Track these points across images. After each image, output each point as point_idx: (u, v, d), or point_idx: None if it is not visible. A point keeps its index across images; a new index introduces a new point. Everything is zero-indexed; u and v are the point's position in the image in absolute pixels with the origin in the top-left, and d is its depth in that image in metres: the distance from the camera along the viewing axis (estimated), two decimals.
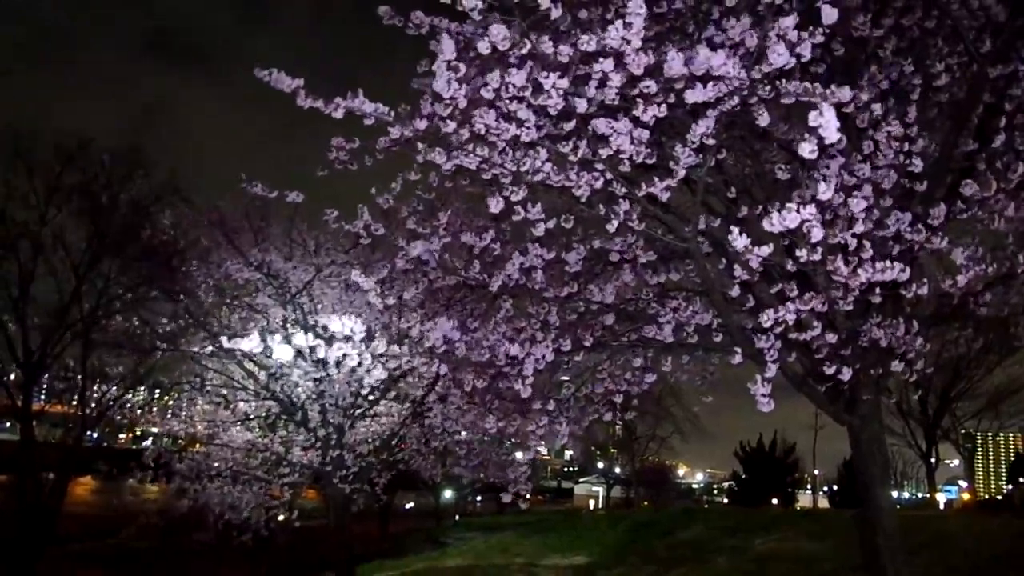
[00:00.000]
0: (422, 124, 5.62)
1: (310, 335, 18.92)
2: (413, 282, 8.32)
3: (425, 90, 5.90)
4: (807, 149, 4.78)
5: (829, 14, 4.70)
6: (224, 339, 17.45)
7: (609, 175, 5.78)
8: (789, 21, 4.68)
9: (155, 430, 22.08)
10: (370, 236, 7.27)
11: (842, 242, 5.50)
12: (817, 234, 5.07)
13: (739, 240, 5.27)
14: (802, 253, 5.39)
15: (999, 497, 61.83)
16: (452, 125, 5.50)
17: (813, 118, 4.52)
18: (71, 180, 29.08)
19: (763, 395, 6.26)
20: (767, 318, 6.03)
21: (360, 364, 18.83)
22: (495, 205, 6.12)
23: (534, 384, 7.28)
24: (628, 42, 4.69)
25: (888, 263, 5.56)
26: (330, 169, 6.79)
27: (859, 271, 5.53)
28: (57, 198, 28.93)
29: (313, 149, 6.88)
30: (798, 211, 4.89)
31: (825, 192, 4.91)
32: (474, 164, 5.88)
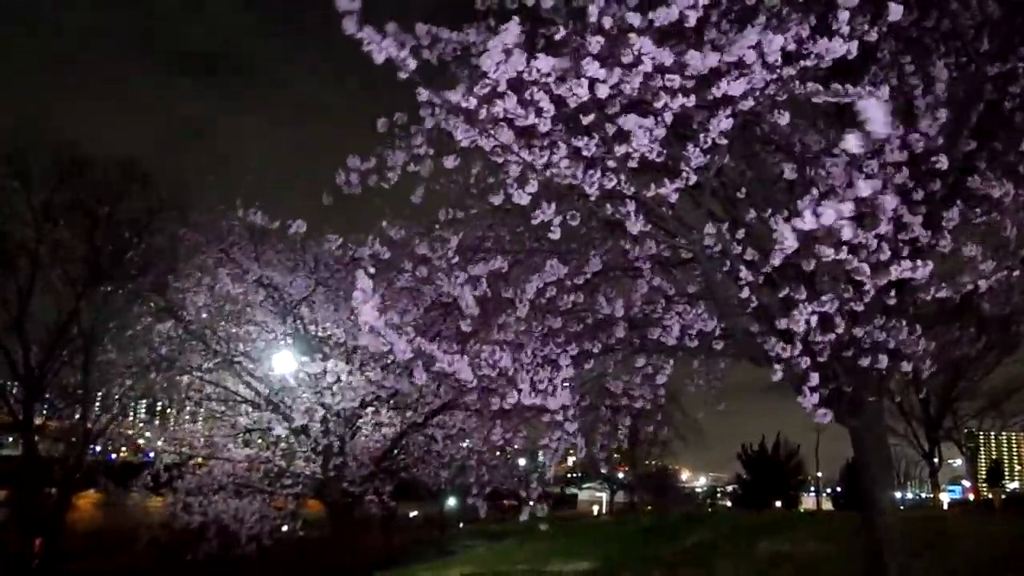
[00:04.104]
0: (455, 96, 5.52)
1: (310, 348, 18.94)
2: (412, 301, 8.32)
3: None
4: (853, 143, 4.76)
5: (896, 11, 4.72)
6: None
7: (622, 175, 5.76)
8: (844, 16, 4.71)
9: (158, 444, 22.00)
10: (376, 263, 7.27)
11: (864, 242, 5.48)
12: (847, 233, 5.02)
13: (788, 237, 5.20)
14: (828, 252, 5.35)
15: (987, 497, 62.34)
16: (473, 102, 5.42)
17: (863, 108, 4.51)
18: (66, 196, 29.15)
19: (814, 405, 6.24)
20: (798, 320, 5.99)
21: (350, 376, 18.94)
22: (518, 197, 6.05)
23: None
24: (685, 19, 4.72)
25: (917, 262, 5.55)
26: (337, 196, 6.84)
27: (890, 269, 5.51)
28: (53, 214, 28.96)
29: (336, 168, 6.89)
30: (837, 207, 4.83)
31: (864, 189, 4.88)
32: (489, 146, 5.81)
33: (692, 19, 4.77)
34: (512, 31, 4.91)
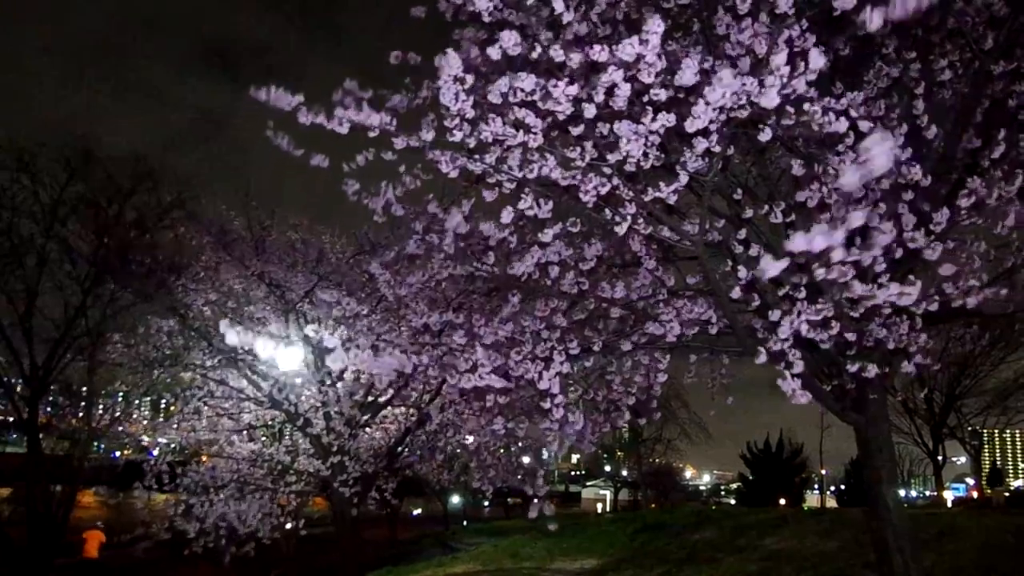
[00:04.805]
0: (429, 135, 5.60)
1: (311, 346, 18.96)
2: (419, 270, 8.31)
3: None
4: (851, 179, 4.75)
5: (816, 60, 4.69)
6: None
7: (616, 180, 5.76)
8: (780, 59, 4.68)
9: (162, 441, 22.04)
10: (387, 215, 7.25)
11: (858, 259, 5.50)
12: (839, 255, 5.04)
13: (772, 266, 5.20)
14: (820, 272, 5.36)
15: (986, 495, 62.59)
16: (459, 135, 5.49)
17: (869, 144, 4.50)
18: (75, 193, 29.21)
19: (794, 389, 6.19)
20: (784, 332, 6.00)
21: (357, 378, 18.95)
22: (507, 216, 6.12)
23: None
24: (642, 56, 4.70)
25: (905, 287, 5.56)
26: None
27: (878, 292, 5.53)
28: (62, 211, 29.02)
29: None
30: (828, 234, 4.84)
31: (859, 219, 4.87)
32: (479, 169, 5.88)
33: (652, 56, 4.76)
34: (451, 60, 4.94)
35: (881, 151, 4.54)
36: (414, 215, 7.47)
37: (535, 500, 7.83)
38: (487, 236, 7.08)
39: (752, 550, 20.34)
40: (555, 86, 4.98)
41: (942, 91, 7.17)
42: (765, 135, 5.41)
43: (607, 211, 6.13)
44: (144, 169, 30.06)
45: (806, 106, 5.01)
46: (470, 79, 5.09)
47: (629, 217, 5.89)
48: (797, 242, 4.91)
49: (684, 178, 5.59)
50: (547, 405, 7.20)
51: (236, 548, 19.31)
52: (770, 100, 4.74)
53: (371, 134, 5.51)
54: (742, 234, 6.96)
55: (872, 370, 6.80)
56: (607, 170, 5.73)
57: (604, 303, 7.68)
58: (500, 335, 7.37)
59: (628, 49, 4.67)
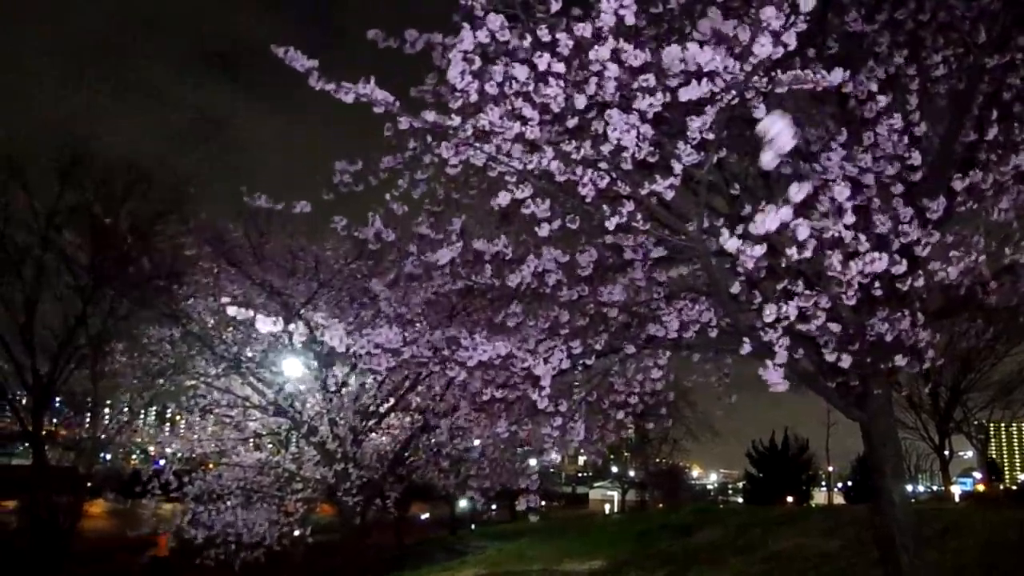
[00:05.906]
0: (431, 116, 5.59)
1: (314, 352, 18.95)
2: (420, 287, 8.33)
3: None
4: (767, 159, 4.71)
5: (807, 2, 4.65)
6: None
7: (614, 173, 5.75)
8: (770, 11, 4.63)
9: (169, 450, 22.00)
10: (380, 242, 7.30)
11: (837, 236, 5.48)
12: (803, 232, 5.02)
13: (730, 242, 5.21)
14: (792, 252, 5.34)
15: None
16: (458, 120, 5.50)
17: (766, 125, 4.47)
18: (71, 200, 29.18)
19: (775, 380, 6.16)
20: (769, 312, 5.97)
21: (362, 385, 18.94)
22: (504, 198, 6.11)
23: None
24: (622, 19, 4.69)
25: (877, 254, 5.52)
26: (335, 193, 6.95)
27: (851, 264, 5.50)
28: (58, 220, 28.99)
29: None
30: (776, 213, 4.81)
31: (797, 194, 4.82)
32: (481, 161, 5.88)
33: (629, 16, 4.74)
34: (466, 38, 4.95)
35: (781, 129, 4.50)
36: (406, 237, 7.54)
37: (525, 492, 7.90)
38: (481, 252, 7.11)
39: (757, 549, 20.35)
40: (540, 56, 5.00)
41: (938, 86, 7.17)
42: (760, 112, 5.37)
43: (605, 207, 6.11)
44: (138, 174, 30.06)
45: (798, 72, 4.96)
46: (478, 61, 5.11)
47: (626, 214, 5.87)
48: (756, 224, 4.89)
49: (678, 168, 5.56)
50: (535, 396, 7.20)
51: (247, 553, 19.31)
52: (763, 49, 4.68)
53: (376, 110, 5.48)
54: (740, 230, 6.94)
55: (847, 362, 6.78)
56: (603, 164, 5.71)
57: (603, 307, 7.67)
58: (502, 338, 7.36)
59: (605, 5, 4.66)
